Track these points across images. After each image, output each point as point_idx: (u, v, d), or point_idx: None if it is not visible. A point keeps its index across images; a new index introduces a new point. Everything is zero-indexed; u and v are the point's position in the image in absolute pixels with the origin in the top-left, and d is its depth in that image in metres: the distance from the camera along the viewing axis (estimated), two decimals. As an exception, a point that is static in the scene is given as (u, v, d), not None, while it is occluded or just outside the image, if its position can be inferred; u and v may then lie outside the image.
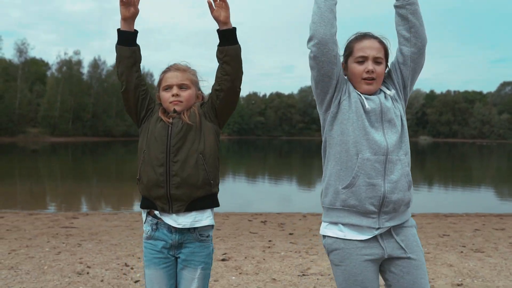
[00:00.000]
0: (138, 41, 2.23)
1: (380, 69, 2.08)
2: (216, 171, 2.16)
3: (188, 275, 2.12)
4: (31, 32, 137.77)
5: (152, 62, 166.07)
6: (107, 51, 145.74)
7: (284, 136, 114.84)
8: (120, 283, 3.91)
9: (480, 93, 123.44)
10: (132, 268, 4.33)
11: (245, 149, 44.47)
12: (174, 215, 2.09)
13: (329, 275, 4.15)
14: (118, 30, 2.15)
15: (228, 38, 2.09)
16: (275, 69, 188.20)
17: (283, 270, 4.33)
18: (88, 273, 4.15)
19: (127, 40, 2.15)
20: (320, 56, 1.94)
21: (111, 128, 68.93)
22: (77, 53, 71.26)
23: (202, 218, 2.12)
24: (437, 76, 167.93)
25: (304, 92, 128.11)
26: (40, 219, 7.50)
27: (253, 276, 4.14)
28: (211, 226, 2.18)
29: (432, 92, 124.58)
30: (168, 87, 2.19)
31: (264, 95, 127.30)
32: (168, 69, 2.23)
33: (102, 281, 3.95)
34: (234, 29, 2.09)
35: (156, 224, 2.13)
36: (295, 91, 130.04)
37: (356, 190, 1.92)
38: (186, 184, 2.06)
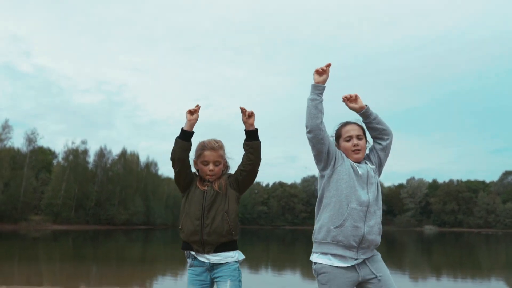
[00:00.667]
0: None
1: (362, 142, 3.00)
2: (236, 224, 2.98)
3: (222, 287, 2.90)
4: (40, 122, 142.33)
5: (157, 151, 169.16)
6: (113, 141, 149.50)
7: (287, 226, 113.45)
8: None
9: (483, 182, 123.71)
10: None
11: (247, 239, 43.90)
12: (206, 255, 2.94)
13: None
14: (182, 129, 3.00)
15: (252, 136, 2.99)
16: (278, 159, 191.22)
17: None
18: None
19: (187, 137, 3.01)
20: (312, 139, 2.79)
21: (113, 216, 68.62)
22: (84, 142, 73.01)
23: (228, 257, 2.97)
24: (439, 165, 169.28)
25: (307, 182, 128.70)
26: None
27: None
28: (236, 261, 3.00)
29: (434, 181, 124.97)
30: (206, 163, 3.02)
31: (267, 185, 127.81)
32: (205, 147, 3.03)
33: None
34: (257, 130, 2.99)
35: (195, 258, 2.99)
36: (298, 181, 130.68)
37: (344, 229, 2.69)
38: (214, 233, 2.89)
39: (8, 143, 62.01)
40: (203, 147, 3.03)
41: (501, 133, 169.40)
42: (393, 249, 27.36)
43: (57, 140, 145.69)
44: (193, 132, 3.02)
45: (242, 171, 2.99)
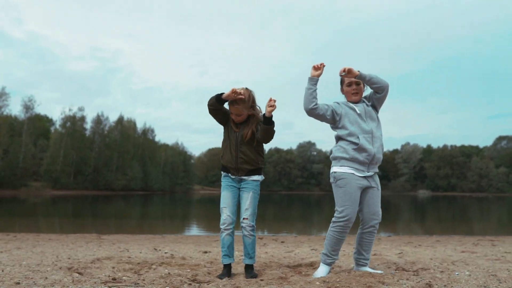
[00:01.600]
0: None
1: (360, 87, 4.00)
2: (261, 156, 4.06)
3: (244, 195, 4.01)
4: (35, 90, 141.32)
5: (153, 119, 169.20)
6: (109, 108, 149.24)
7: (283, 191, 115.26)
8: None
9: (477, 147, 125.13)
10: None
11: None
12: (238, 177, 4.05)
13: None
14: (220, 95, 3.88)
15: (269, 122, 3.83)
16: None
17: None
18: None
19: (222, 103, 3.92)
20: (315, 118, 3.87)
21: (111, 182, 69.68)
22: (81, 109, 73.18)
23: (253, 175, 4.04)
24: (434, 131, 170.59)
25: (303, 147, 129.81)
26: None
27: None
28: (258, 180, 4.07)
29: (429, 146, 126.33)
30: (231, 113, 3.98)
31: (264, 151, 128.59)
32: (231, 102, 3.92)
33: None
34: (271, 116, 3.81)
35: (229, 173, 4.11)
36: (294, 147, 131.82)
37: (359, 151, 3.77)
38: (245, 162, 3.96)
39: (6, 111, 62.26)
40: (231, 100, 3.90)
41: (496, 99, 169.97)
42: (387, 212, 28.26)
43: (53, 108, 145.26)
44: (226, 101, 3.95)
45: (258, 138, 3.95)
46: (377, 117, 4.00)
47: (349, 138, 3.83)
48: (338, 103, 4.01)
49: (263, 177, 4.19)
